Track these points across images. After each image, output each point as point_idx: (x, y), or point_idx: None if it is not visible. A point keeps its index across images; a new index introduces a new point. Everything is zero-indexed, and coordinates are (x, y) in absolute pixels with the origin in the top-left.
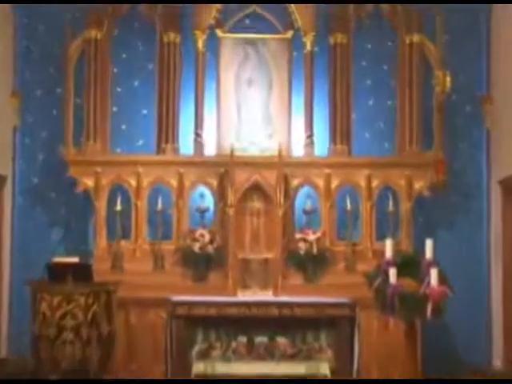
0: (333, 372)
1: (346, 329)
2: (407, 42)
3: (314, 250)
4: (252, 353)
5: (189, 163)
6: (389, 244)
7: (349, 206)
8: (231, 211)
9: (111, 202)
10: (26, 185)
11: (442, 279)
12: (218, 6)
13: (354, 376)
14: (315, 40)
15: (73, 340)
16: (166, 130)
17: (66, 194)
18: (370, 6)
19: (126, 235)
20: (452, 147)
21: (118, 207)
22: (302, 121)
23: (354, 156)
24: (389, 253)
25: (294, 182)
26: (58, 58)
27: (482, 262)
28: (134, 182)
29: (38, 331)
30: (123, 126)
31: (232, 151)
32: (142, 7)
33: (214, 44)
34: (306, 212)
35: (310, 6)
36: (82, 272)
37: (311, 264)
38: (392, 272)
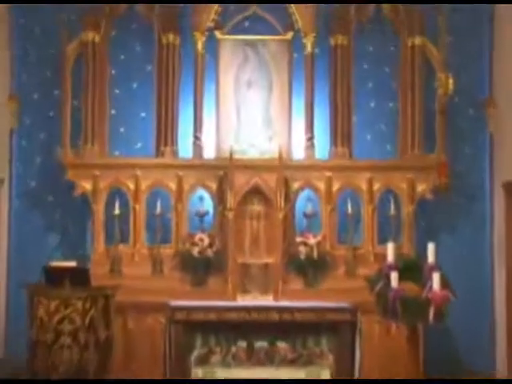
0: (333, 377)
1: (347, 334)
2: (409, 44)
3: (315, 254)
4: (252, 358)
5: (188, 166)
6: (390, 248)
7: (350, 210)
8: (231, 215)
9: (109, 206)
10: (23, 188)
11: (445, 283)
12: (218, 7)
13: None
14: (316, 41)
15: (70, 345)
16: (165, 133)
17: (63, 197)
18: (371, 8)
19: (124, 239)
20: (455, 150)
21: (117, 211)
22: (302, 123)
23: (355, 159)
24: (390, 257)
25: (295, 185)
26: (55, 59)
27: (485, 266)
28: (132, 186)
29: (36, 336)
30: (121, 129)
31: (231, 154)
32: (140, 8)
33: (213, 46)
34: (306, 215)
35: (311, 7)
36: (80, 276)
37: (312, 268)
38: (394, 276)
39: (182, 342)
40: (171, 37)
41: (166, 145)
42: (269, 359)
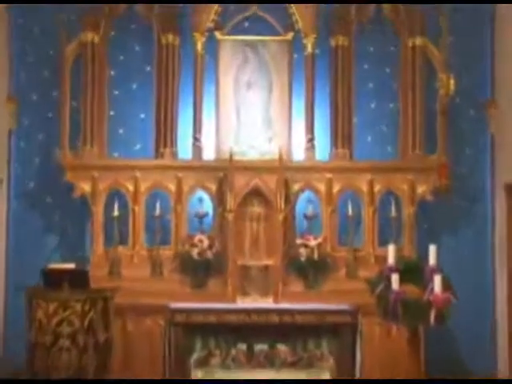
0: None
1: (347, 336)
2: (410, 44)
3: (315, 256)
4: (252, 361)
5: (187, 168)
6: (391, 250)
7: (350, 211)
8: (230, 216)
9: (108, 207)
10: (21, 189)
11: (446, 285)
12: (218, 7)
13: None
14: (316, 42)
15: (69, 347)
16: (164, 134)
17: (62, 198)
18: (371, 8)
19: (123, 241)
20: (456, 151)
21: (116, 212)
22: (302, 124)
23: (356, 160)
24: (391, 259)
25: (295, 187)
26: (53, 60)
27: (487, 268)
28: (131, 187)
29: (34, 338)
30: (120, 130)
31: (231, 155)
32: (139, 8)
33: (213, 46)
34: (306, 217)
35: (311, 8)
36: (79, 278)
37: (312, 270)
38: (394, 278)
39: (181, 344)
40: (171, 37)
41: (165, 146)
42: (269, 362)
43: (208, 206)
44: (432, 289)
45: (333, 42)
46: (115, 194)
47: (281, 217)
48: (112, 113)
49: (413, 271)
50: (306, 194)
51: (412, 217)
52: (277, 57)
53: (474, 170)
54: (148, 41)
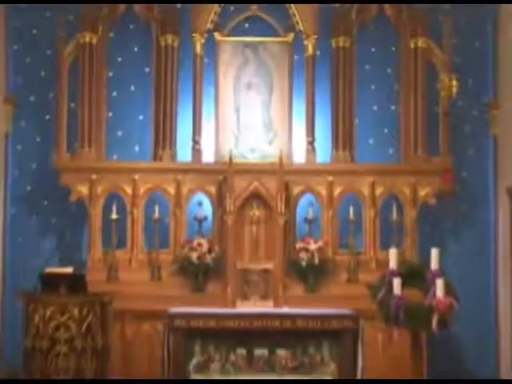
0: None
1: (349, 341)
2: (412, 45)
3: (316, 260)
4: (251, 366)
5: (186, 170)
6: (393, 254)
7: (352, 215)
8: (230, 219)
9: (106, 211)
10: (18, 192)
11: (449, 290)
12: (217, 8)
13: None
14: (317, 43)
15: (67, 353)
16: (163, 136)
17: (59, 202)
18: (373, 8)
19: (121, 245)
20: (458, 154)
21: (114, 216)
22: (303, 126)
23: (357, 163)
24: (393, 263)
25: (295, 190)
26: (51, 61)
27: (490, 272)
28: (129, 190)
29: (31, 343)
30: (119, 132)
31: (231, 158)
32: (139, 9)
33: (212, 47)
34: (307, 221)
35: (312, 8)
36: (76, 283)
37: (313, 274)
38: (396, 283)
39: (180, 349)
40: (170, 38)
41: (164, 148)
42: (269, 367)
43: (207, 210)
44: (434, 293)
45: (334, 43)
46: (113, 197)
47: (281, 220)
48: (110, 114)
49: (415, 275)
50: (307, 197)
51: (414, 220)
52: (277, 58)
53: (476, 172)
54: (147, 42)
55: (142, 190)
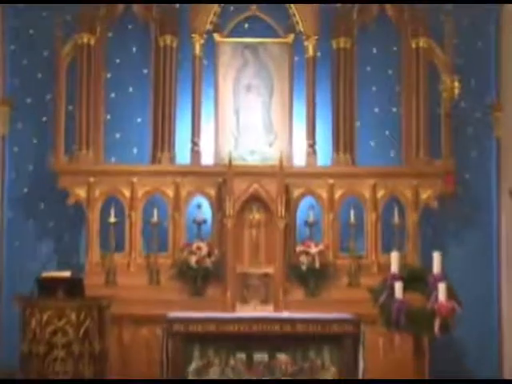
0: None
1: (349, 346)
2: (413, 46)
3: (317, 264)
4: (251, 370)
5: (185, 173)
6: (394, 257)
7: (353, 218)
8: (229, 223)
9: (104, 214)
10: (15, 195)
11: (451, 294)
12: (217, 8)
13: None
14: (317, 44)
15: (64, 357)
16: (162, 138)
17: (57, 205)
18: (374, 9)
19: (119, 248)
20: (461, 156)
21: (112, 219)
22: (303, 129)
23: (358, 165)
24: (395, 266)
25: (296, 193)
26: (48, 62)
27: (493, 275)
28: (128, 193)
29: (28, 348)
30: (117, 134)
31: (230, 160)
32: (137, 9)
33: (211, 48)
34: (308, 224)
35: (312, 8)
36: (74, 287)
37: (313, 278)
38: (398, 286)
39: (179, 354)
40: (169, 39)
41: (162, 151)
42: (269, 372)
43: (207, 213)
44: (436, 297)
45: (334, 44)
46: (111, 200)
47: (281, 223)
48: (108, 116)
49: (417, 279)
50: (307, 200)
51: (416, 223)
52: (277, 60)
53: (479, 175)
54: (145, 42)
55: (140, 192)
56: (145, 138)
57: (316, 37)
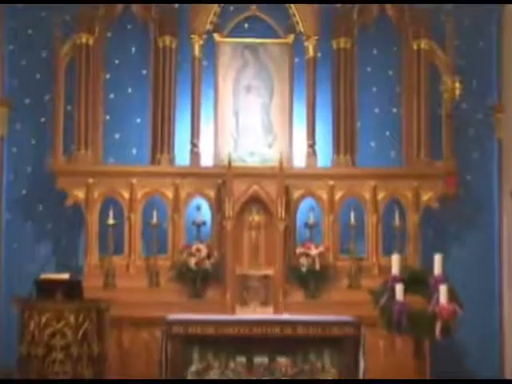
0: None
1: (350, 348)
2: (414, 47)
3: (317, 266)
4: (251, 373)
5: (185, 174)
6: (395, 259)
7: (353, 220)
8: (229, 224)
9: (103, 215)
10: (13, 196)
11: (452, 296)
12: (217, 8)
13: None
14: (318, 45)
15: (62, 360)
16: (161, 140)
17: (55, 206)
18: (374, 9)
19: (118, 250)
20: (462, 157)
21: (111, 221)
22: (303, 129)
23: (359, 166)
24: (395, 268)
25: (296, 194)
26: (47, 63)
27: (494, 277)
28: (127, 194)
29: (26, 350)
30: (116, 135)
31: (230, 161)
32: (136, 9)
33: (211, 49)
34: (308, 225)
35: (312, 9)
36: (72, 289)
37: (313, 280)
38: (399, 289)
39: (178, 356)
40: (168, 39)
41: (162, 152)
42: (269, 374)
43: (206, 214)
44: (437, 299)
45: (335, 45)
46: (110, 202)
47: (281, 225)
48: (107, 117)
49: (418, 281)
50: (308, 202)
51: (417, 225)
52: (277, 60)
53: (480, 176)
54: (144, 43)
55: (139, 194)
56: (144, 139)
57: (316, 37)
